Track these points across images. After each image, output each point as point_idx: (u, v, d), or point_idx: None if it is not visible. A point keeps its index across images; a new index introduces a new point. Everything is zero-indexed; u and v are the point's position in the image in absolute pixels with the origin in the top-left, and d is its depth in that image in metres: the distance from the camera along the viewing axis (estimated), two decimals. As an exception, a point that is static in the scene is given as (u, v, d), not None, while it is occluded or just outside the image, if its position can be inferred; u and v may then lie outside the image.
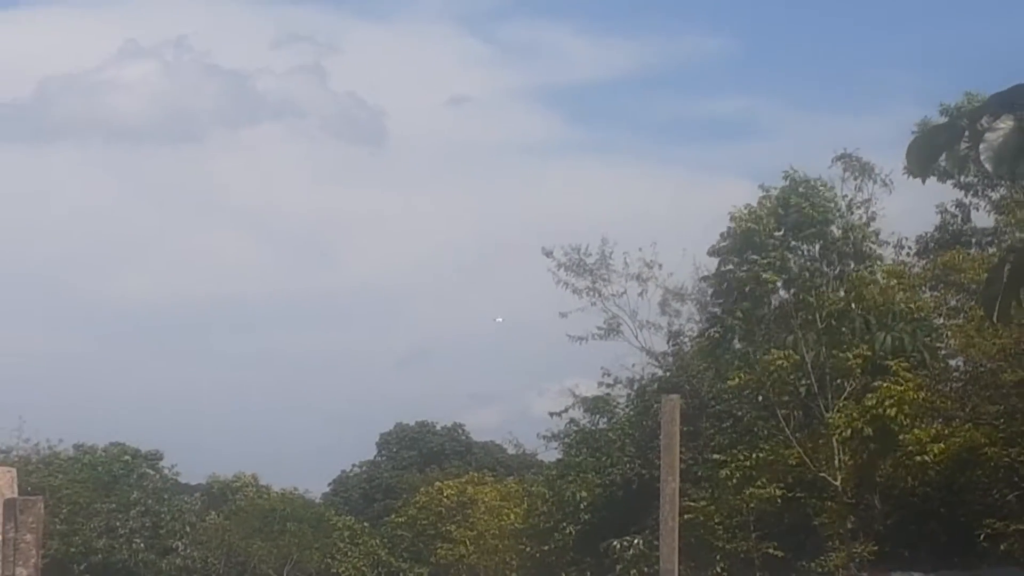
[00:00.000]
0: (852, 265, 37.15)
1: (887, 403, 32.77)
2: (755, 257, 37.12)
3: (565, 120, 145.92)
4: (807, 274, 37.06)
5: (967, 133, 5.10)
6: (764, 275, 36.50)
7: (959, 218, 43.31)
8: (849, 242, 37.08)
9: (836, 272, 37.15)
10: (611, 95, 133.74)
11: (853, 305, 35.87)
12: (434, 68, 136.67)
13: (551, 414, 47.61)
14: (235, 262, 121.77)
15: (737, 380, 36.50)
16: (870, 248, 38.32)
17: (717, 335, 39.15)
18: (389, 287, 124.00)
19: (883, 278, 37.76)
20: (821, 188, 37.71)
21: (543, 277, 44.18)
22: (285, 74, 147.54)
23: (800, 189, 37.75)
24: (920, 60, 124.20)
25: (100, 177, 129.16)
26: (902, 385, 33.06)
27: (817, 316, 35.89)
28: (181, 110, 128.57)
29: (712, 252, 39.13)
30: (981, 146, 5.00)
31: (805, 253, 37.61)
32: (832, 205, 37.49)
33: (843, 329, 35.85)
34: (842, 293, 36.53)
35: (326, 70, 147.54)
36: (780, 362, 35.14)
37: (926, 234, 43.34)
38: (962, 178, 40.50)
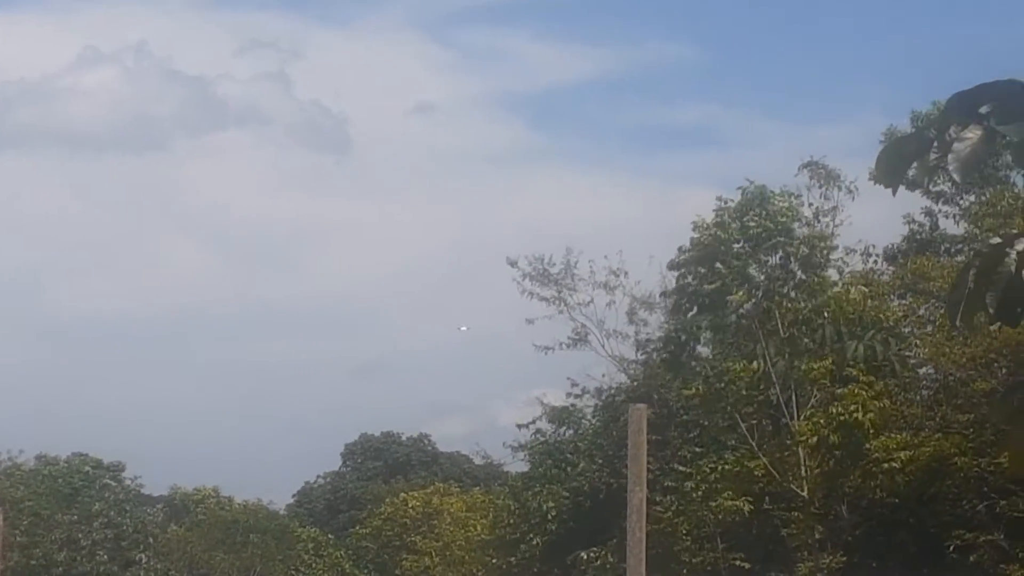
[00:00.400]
0: (814, 274, 37.29)
1: (852, 409, 32.93)
2: (719, 267, 37.31)
3: (528, 127, 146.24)
4: (769, 283, 37.24)
5: (935, 143, 5.11)
6: (729, 296, 36.59)
7: (928, 227, 43.61)
8: (814, 251, 37.25)
9: (796, 281, 37.28)
10: (574, 101, 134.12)
11: (825, 314, 35.97)
12: (397, 75, 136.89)
13: (519, 426, 47.65)
14: (198, 271, 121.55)
15: (695, 390, 36.63)
16: (833, 257, 38.49)
17: (679, 344, 39.31)
18: (355, 296, 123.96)
19: (850, 286, 37.93)
20: (778, 198, 37.91)
21: (510, 287, 44.30)
22: (249, 81, 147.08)
23: (757, 200, 37.99)
24: (887, 68, 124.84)
25: (60, 185, 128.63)
26: (866, 391, 33.20)
27: (780, 325, 36.05)
28: (142, 117, 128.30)
29: (672, 266, 39.24)
30: (949, 156, 5.01)
31: (766, 264, 37.82)
32: (791, 214, 37.71)
33: (805, 339, 36.02)
34: (802, 304, 36.63)
35: (290, 77, 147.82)
36: (741, 373, 35.28)
37: (893, 245, 43.62)
38: (931, 186, 40.80)
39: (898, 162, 5.22)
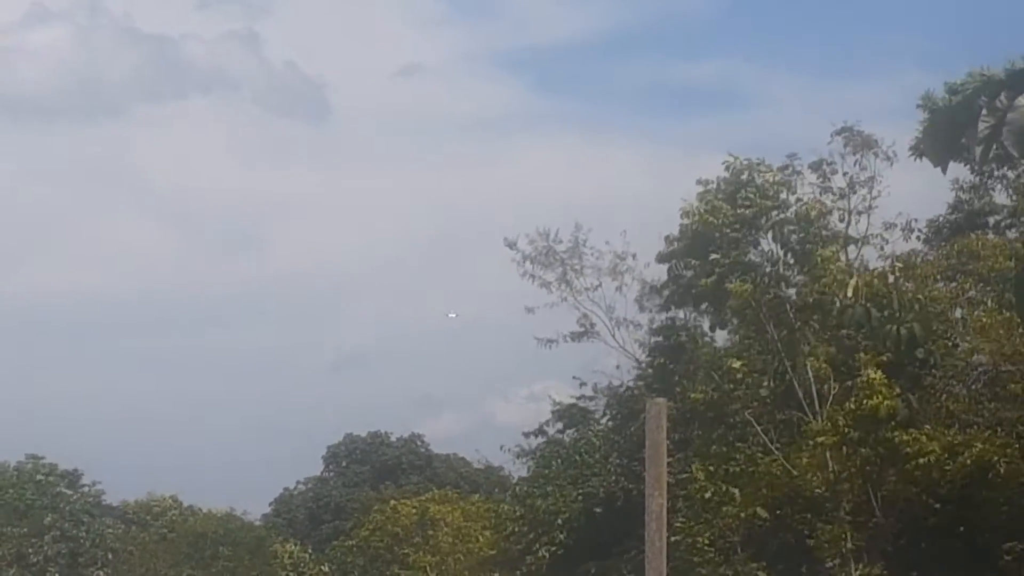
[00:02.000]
0: (816, 251, 37.25)
1: (866, 397, 32.88)
2: (715, 256, 37.42)
3: (530, 88, 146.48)
4: (771, 267, 37.35)
5: (984, 111, 5.27)
6: (729, 286, 36.62)
7: (975, 200, 43.52)
8: (813, 224, 37.33)
9: (800, 262, 37.32)
10: (580, 59, 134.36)
11: (847, 296, 35.90)
12: (381, 31, 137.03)
13: (525, 434, 47.69)
14: (157, 252, 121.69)
15: (702, 394, 36.78)
16: (872, 234, 38.48)
17: (676, 346, 39.57)
18: (334, 279, 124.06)
19: (890, 267, 38.01)
20: (767, 172, 38.03)
21: (507, 268, 43.78)
22: (214, 41, 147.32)
23: (743, 176, 38.11)
24: (923, 17, 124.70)
25: (1, 156, 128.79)
26: (878, 376, 33.08)
27: (789, 311, 36.13)
28: (95, 80, 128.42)
29: (662, 258, 39.21)
30: (1005, 128, 5.15)
31: (763, 246, 38.01)
32: (784, 188, 37.91)
33: (815, 326, 36.12)
34: (808, 287, 36.59)
35: (259, 35, 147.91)
36: (748, 369, 35.48)
37: (939, 218, 43.54)
38: (970, 157, 40.66)
39: (947, 135, 5.36)
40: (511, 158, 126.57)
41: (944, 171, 5.26)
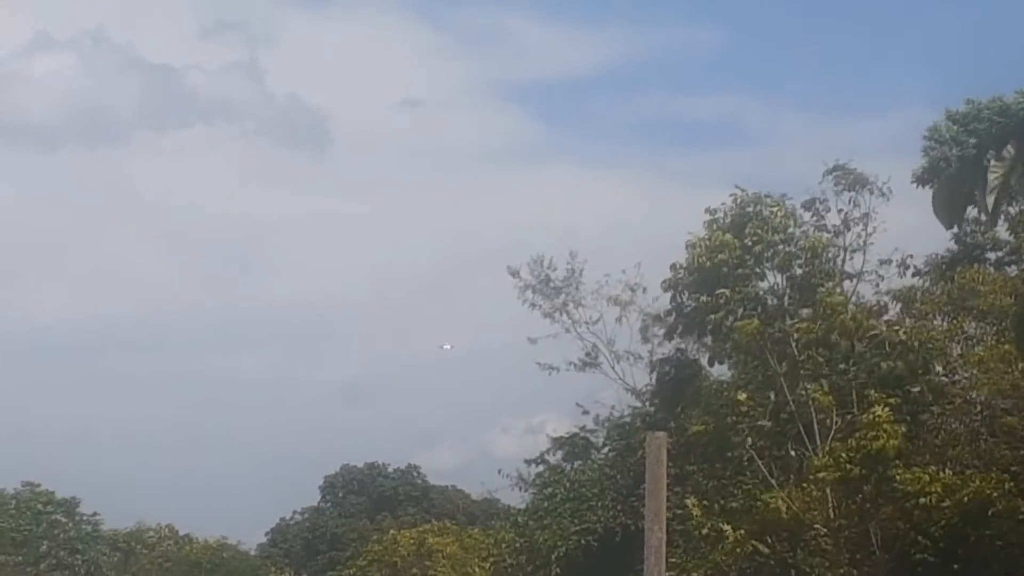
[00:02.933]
0: (826, 285, 37.27)
1: (872, 436, 32.92)
2: (723, 291, 37.34)
3: (532, 120, 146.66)
4: (777, 302, 37.31)
5: (993, 162, 5.35)
6: (736, 323, 36.60)
7: (978, 232, 43.60)
8: (818, 260, 37.36)
9: (805, 297, 37.31)
10: (583, 92, 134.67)
11: (833, 336, 35.98)
12: (384, 62, 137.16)
13: (527, 461, 47.62)
14: (158, 279, 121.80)
15: (704, 426, 36.77)
16: (866, 270, 38.51)
17: (682, 378, 39.53)
18: (333, 308, 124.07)
19: (877, 304, 38.11)
20: (775, 206, 38.01)
21: (506, 299, 43.95)
22: (217, 71, 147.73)
23: (750, 208, 38.09)
24: (928, 54, 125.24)
25: (4, 182, 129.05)
26: (884, 413, 33.11)
27: (794, 347, 36.12)
28: (99, 108, 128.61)
29: (667, 286, 39.07)
30: (1012, 177, 5.24)
31: (770, 280, 37.96)
32: (791, 222, 37.87)
33: (820, 361, 36.09)
34: (813, 323, 36.51)
35: (262, 66, 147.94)
36: (752, 403, 35.44)
37: (937, 255, 43.62)
38: (976, 212, 40.63)
39: (957, 195, 5.45)
40: (512, 190, 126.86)
41: (950, 227, 5.31)
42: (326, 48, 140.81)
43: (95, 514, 69.02)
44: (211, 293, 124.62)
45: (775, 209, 37.88)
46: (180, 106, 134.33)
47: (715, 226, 37.88)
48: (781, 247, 37.38)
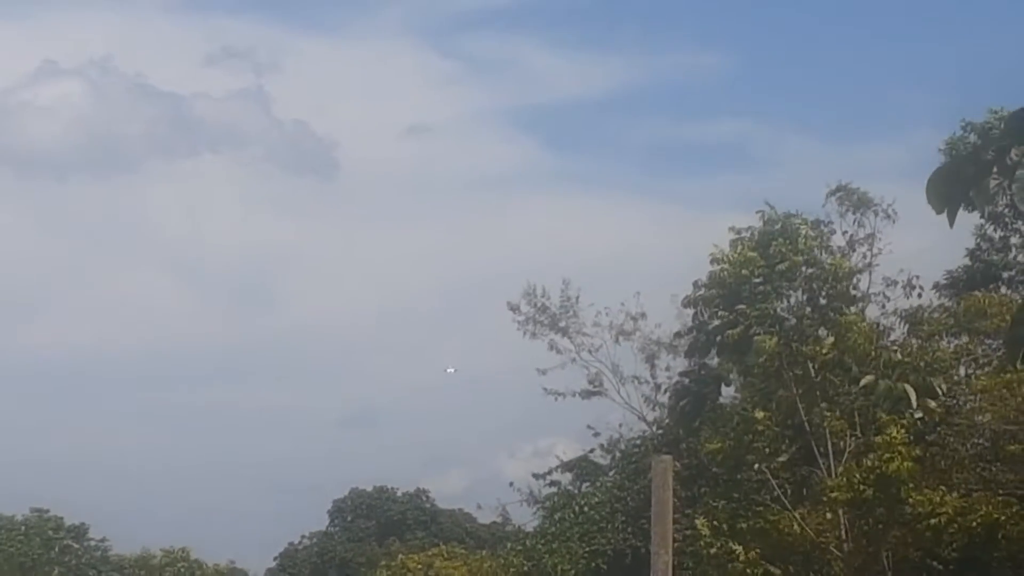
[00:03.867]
0: (846, 310, 37.02)
1: (886, 458, 32.77)
2: (742, 307, 37.01)
3: (541, 146, 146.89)
4: (797, 322, 36.97)
5: (995, 166, 5.20)
6: (756, 338, 36.36)
7: (991, 249, 43.47)
8: (841, 283, 37.06)
9: (824, 319, 37.01)
10: (590, 118, 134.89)
11: (848, 358, 35.76)
12: (391, 89, 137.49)
13: (535, 476, 47.60)
14: (168, 307, 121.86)
15: (721, 445, 36.55)
16: (873, 291, 38.25)
17: (700, 394, 39.24)
18: (342, 335, 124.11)
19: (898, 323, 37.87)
20: (802, 226, 37.69)
21: (512, 325, 44.24)
22: (224, 99, 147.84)
23: (777, 227, 37.74)
24: (937, 79, 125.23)
25: (13, 212, 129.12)
26: (898, 435, 32.97)
27: (810, 368, 35.88)
28: (108, 137, 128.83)
29: (688, 303, 38.73)
30: (1015, 186, 5.09)
31: (791, 299, 37.61)
32: (818, 243, 37.50)
33: (836, 380, 35.87)
34: (830, 344, 36.28)
35: (269, 95, 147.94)
36: (769, 423, 35.23)
37: (950, 273, 43.46)
38: (988, 209, 40.71)
39: (954, 187, 5.29)
40: (520, 216, 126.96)
41: (951, 223, 5.18)
42: (333, 75, 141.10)
43: (104, 539, 69.07)
44: (219, 320, 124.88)
45: (803, 228, 37.49)
46: (188, 134, 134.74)
47: (739, 244, 37.43)
48: (805, 268, 37.00)
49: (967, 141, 41.61)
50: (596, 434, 46.29)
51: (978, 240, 43.53)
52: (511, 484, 49.32)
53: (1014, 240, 43.00)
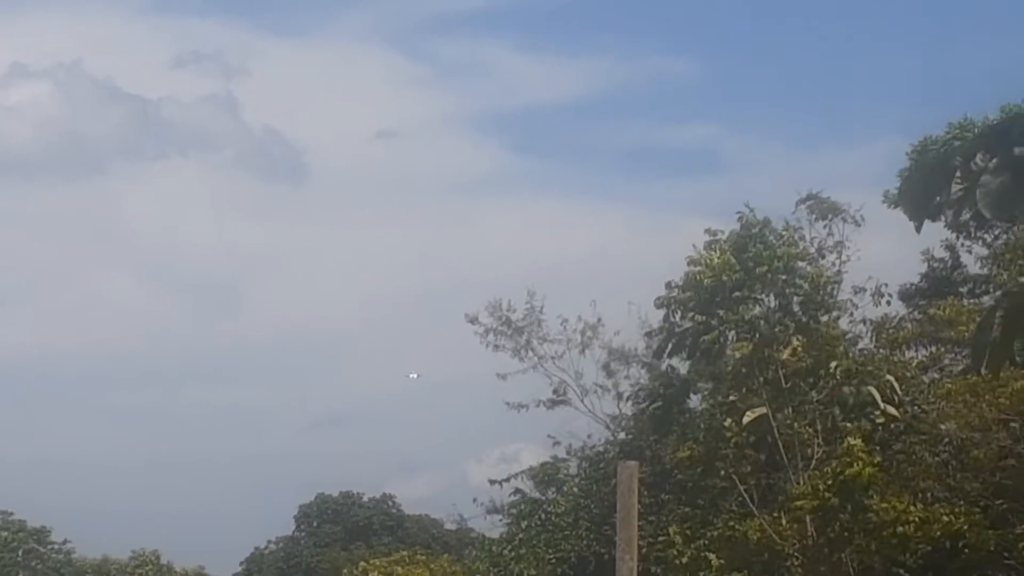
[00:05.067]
0: (815, 318, 36.99)
1: (847, 463, 32.82)
2: (719, 312, 36.88)
3: (511, 151, 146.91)
4: (768, 327, 36.89)
5: (958, 173, 5.22)
6: (729, 347, 36.28)
7: (948, 263, 43.68)
8: (817, 291, 37.04)
9: (798, 325, 36.96)
10: (561, 122, 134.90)
11: (833, 365, 35.76)
12: (361, 93, 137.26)
13: (491, 482, 47.54)
14: (132, 308, 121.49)
15: (689, 451, 36.53)
16: (841, 298, 38.26)
17: (669, 398, 39.21)
18: (309, 339, 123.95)
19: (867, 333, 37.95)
20: (783, 232, 37.64)
21: (480, 331, 44.22)
22: (193, 104, 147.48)
23: (754, 231, 37.62)
24: (903, 88, 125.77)
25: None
26: (860, 442, 33.04)
27: (780, 374, 35.86)
28: (77, 138, 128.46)
29: (660, 303, 38.47)
30: (978, 191, 5.11)
31: (765, 303, 37.53)
32: (795, 250, 37.42)
33: (805, 386, 35.86)
34: (803, 351, 36.21)
35: (238, 100, 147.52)
36: (737, 429, 35.25)
37: (911, 285, 43.64)
38: (956, 219, 40.70)
39: (923, 194, 5.31)
40: (490, 220, 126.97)
41: (919, 228, 5.22)
42: (302, 79, 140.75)
43: (66, 542, 68.77)
44: (187, 323, 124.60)
45: (784, 233, 37.45)
46: (157, 137, 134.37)
47: (715, 246, 37.21)
48: (782, 275, 36.91)
49: (930, 150, 41.85)
50: (556, 443, 46.33)
51: (929, 261, 43.76)
52: (475, 500, 49.16)
53: (976, 248, 43.18)
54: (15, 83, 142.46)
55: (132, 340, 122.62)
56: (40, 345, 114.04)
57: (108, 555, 72.98)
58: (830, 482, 33.08)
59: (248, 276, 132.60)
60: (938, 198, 5.31)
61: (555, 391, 44.22)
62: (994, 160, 5.31)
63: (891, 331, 38.49)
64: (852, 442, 32.98)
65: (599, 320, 44.11)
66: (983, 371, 5.11)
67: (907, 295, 43.30)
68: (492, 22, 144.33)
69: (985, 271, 41.87)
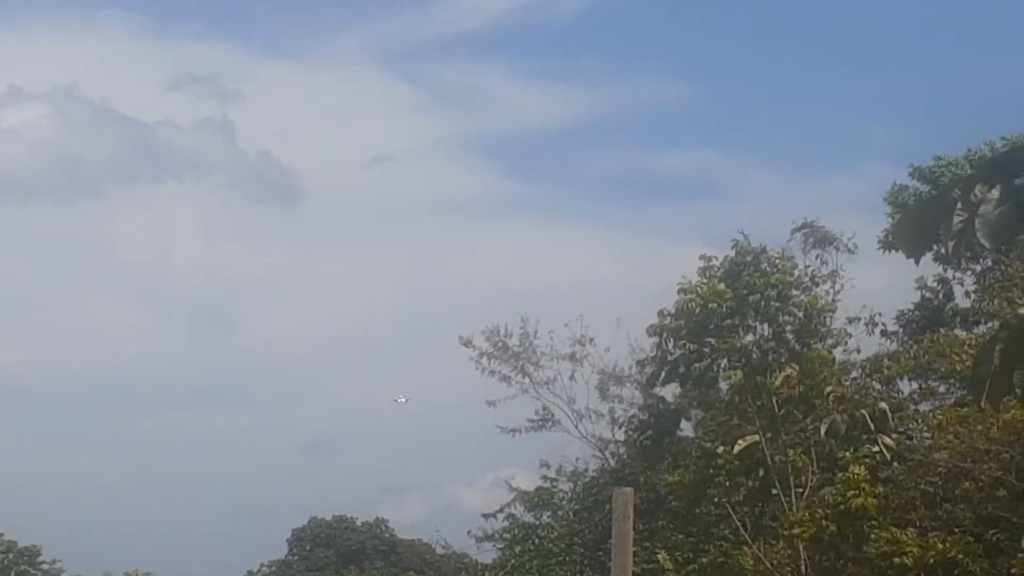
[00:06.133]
0: (808, 346, 36.95)
1: (850, 495, 32.74)
2: (711, 340, 36.80)
3: (504, 175, 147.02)
4: (761, 355, 36.86)
5: (959, 205, 5.27)
6: (722, 374, 36.20)
7: (940, 294, 43.68)
8: (811, 320, 37.01)
9: (791, 353, 36.91)
10: (554, 146, 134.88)
11: (826, 391, 35.75)
12: (355, 117, 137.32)
13: (485, 516, 47.32)
14: (125, 331, 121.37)
15: (680, 477, 36.46)
16: (835, 328, 38.22)
17: (661, 425, 39.18)
18: (303, 362, 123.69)
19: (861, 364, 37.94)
20: (777, 259, 37.62)
21: (472, 354, 44.08)
22: (189, 128, 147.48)
23: (748, 258, 37.59)
24: (898, 114, 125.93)
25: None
26: (861, 472, 33.00)
27: (774, 402, 35.83)
28: (72, 161, 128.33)
29: (653, 331, 38.39)
30: (977, 220, 5.15)
31: (758, 331, 37.52)
32: (789, 279, 37.38)
33: (799, 415, 35.83)
34: (797, 380, 36.15)
35: (233, 124, 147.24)
36: (731, 457, 35.19)
37: (905, 312, 43.63)
38: (942, 250, 40.68)
39: (921, 228, 5.35)
40: (482, 244, 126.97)
41: (917, 262, 5.26)
42: (298, 103, 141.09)
43: (56, 562, 68.52)
44: (180, 345, 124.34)
45: (779, 261, 37.36)
46: (152, 161, 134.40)
47: (709, 273, 37.11)
48: (776, 304, 36.82)
49: (908, 190, 42.09)
50: (548, 468, 46.24)
51: (922, 291, 43.69)
52: (468, 532, 48.91)
53: (966, 280, 43.21)
54: (11, 106, 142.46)
55: (124, 362, 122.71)
56: (31, 366, 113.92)
57: (107, 572, 72.78)
58: (829, 511, 33.04)
59: (240, 299, 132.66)
60: (939, 232, 5.35)
61: (544, 410, 43.93)
62: (994, 190, 5.36)
63: (888, 366, 38.45)
64: (856, 471, 32.94)
65: (591, 339, 43.75)
66: (983, 403, 5.12)
67: (904, 321, 43.24)
68: (486, 47, 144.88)
69: (971, 301, 41.85)
